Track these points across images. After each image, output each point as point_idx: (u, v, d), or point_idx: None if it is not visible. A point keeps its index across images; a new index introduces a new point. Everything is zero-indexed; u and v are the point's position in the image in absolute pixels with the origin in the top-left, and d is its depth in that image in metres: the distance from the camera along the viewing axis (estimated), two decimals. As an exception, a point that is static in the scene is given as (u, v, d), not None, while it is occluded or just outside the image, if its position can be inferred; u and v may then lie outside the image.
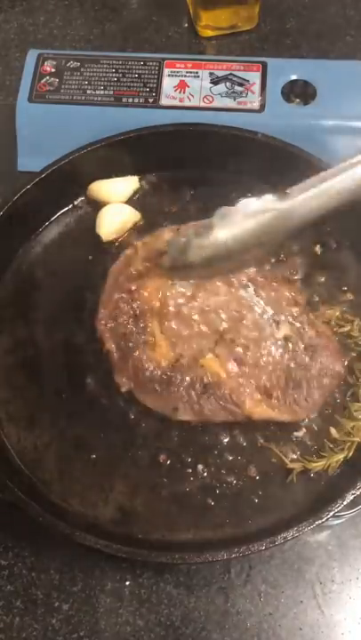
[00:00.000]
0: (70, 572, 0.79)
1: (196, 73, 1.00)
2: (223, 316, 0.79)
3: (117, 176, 0.93)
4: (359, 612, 0.77)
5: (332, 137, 0.95)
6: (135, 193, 0.94)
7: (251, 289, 0.81)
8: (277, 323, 0.79)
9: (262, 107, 0.97)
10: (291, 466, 0.76)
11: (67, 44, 1.15)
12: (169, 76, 1.00)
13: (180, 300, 0.80)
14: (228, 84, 0.99)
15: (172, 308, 0.79)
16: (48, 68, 1.01)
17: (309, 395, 0.77)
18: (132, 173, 0.94)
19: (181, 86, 0.99)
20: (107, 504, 0.76)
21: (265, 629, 0.76)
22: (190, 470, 0.77)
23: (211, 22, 1.12)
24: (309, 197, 0.70)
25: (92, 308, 0.84)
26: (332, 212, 0.71)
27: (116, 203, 0.92)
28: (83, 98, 0.99)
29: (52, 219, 0.93)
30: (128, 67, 1.01)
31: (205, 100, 0.98)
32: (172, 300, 0.80)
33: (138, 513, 0.76)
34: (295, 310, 0.80)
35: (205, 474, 0.77)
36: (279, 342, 0.78)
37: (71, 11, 1.19)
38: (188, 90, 0.99)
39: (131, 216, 0.91)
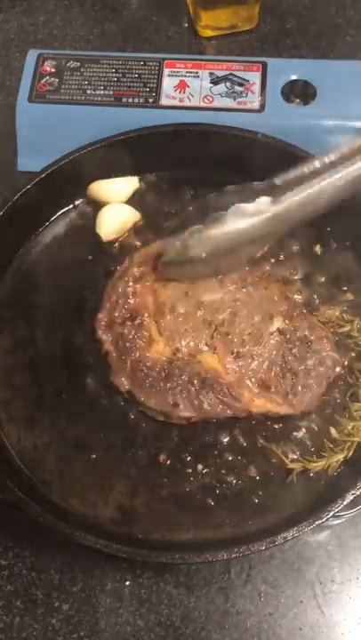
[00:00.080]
0: (70, 572, 0.79)
1: (196, 73, 1.00)
2: (218, 310, 0.80)
3: (117, 176, 0.93)
4: (359, 612, 0.77)
5: (332, 137, 0.95)
6: (135, 193, 0.94)
7: (243, 286, 0.82)
8: (271, 316, 0.80)
9: (262, 107, 0.97)
10: (291, 466, 0.76)
11: (67, 44, 1.15)
12: (169, 75, 1.00)
13: (175, 297, 0.81)
14: (228, 83, 0.99)
15: (167, 305, 0.81)
16: (48, 68, 1.01)
17: (307, 385, 0.78)
18: (132, 173, 0.94)
19: (181, 86, 0.99)
20: (107, 504, 0.76)
21: (265, 629, 0.76)
22: (190, 470, 0.77)
23: (211, 22, 1.12)
24: (301, 200, 0.71)
25: (92, 307, 0.84)
26: (323, 212, 0.73)
27: (116, 203, 0.92)
28: (83, 98, 0.99)
29: (52, 219, 0.93)
30: (128, 67, 1.01)
31: (205, 100, 0.98)
32: (167, 297, 0.81)
33: (138, 513, 0.76)
34: (288, 304, 0.81)
35: (205, 474, 0.77)
36: (274, 335, 0.79)
37: (71, 11, 1.19)
38: (188, 90, 0.99)
39: (131, 216, 0.91)
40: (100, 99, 0.99)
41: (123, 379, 0.79)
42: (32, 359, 0.84)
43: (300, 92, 0.99)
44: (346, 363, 0.81)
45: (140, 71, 1.01)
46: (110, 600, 0.78)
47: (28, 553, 0.80)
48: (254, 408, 0.77)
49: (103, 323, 0.81)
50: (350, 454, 0.76)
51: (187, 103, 0.98)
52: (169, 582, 0.79)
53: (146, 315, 0.81)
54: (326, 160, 0.71)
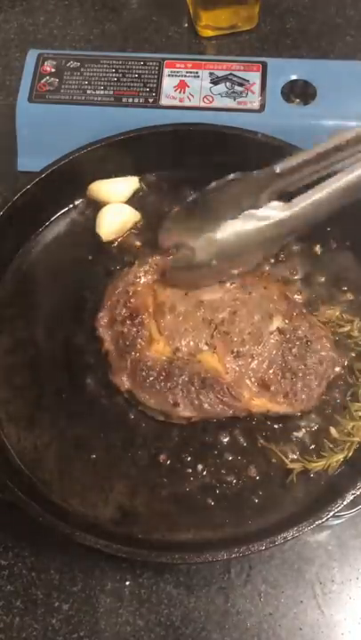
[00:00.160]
0: (70, 572, 0.79)
1: (196, 73, 1.00)
2: (217, 309, 0.80)
3: (117, 176, 0.93)
4: (359, 612, 0.77)
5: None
6: (135, 193, 0.94)
7: (242, 286, 0.82)
8: (270, 316, 0.80)
9: (262, 107, 0.97)
10: (291, 466, 0.76)
11: (67, 44, 1.15)
12: (169, 75, 1.00)
13: (175, 296, 0.81)
14: (228, 83, 0.99)
15: (167, 304, 0.81)
16: (48, 68, 1.01)
17: (307, 384, 0.78)
18: (132, 173, 0.94)
19: (181, 86, 0.99)
20: (107, 504, 0.76)
21: (265, 629, 0.76)
22: (190, 470, 0.77)
23: (211, 22, 1.12)
24: (309, 205, 0.72)
25: (92, 307, 0.84)
26: (335, 213, 0.73)
27: (116, 203, 0.92)
28: (83, 98, 0.99)
29: (52, 219, 0.93)
30: (128, 67, 1.01)
31: (205, 100, 0.98)
32: (166, 297, 0.81)
33: (138, 513, 0.76)
34: (287, 303, 0.81)
35: (205, 474, 0.77)
36: (274, 335, 0.79)
37: (71, 11, 1.19)
38: (188, 90, 0.99)
39: (131, 216, 0.91)
40: (100, 99, 0.99)
41: (123, 378, 0.79)
42: (32, 359, 0.84)
43: (300, 91, 0.99)
44: (346, 363, 0.81)
45: (140, 71, 1.01)
46: (110, 600, 0.78)
47: (28, 553, 0.80)
48: (254, 407, 0.77)
49: (103, 322, 0.82)
50: (350, 454, 0.76)
51: (187, 103, 0.98)
52: (169, 582, 0.79)
53: (146, 314, 0.81)
54: (324, 148, 0.72)
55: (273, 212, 0.74)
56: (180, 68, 1.01)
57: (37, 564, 0.80)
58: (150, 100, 0.98)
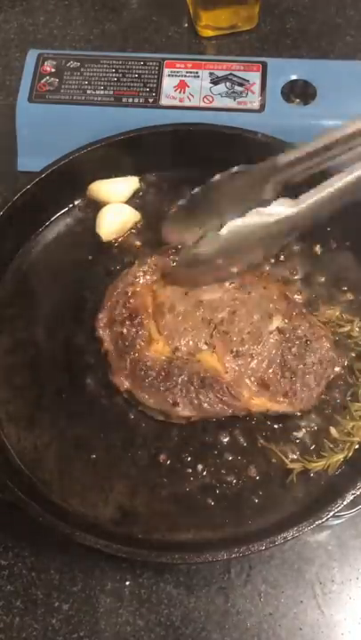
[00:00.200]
0: (70, 572, 0.79)
1: (196, 73, 1.00)
2: (217, 309, 0.80)
3: (117, 176, 0.93)
4: (359, 612, 0.77)
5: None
6: (135, 193, 0.94)
7: (242, 285, 0.82)
8: (270, 315, 0.80)
9: (262, 107, 0.97)
10: (291, 466, 0.76)
11: (67, 44, 1.15)
12: (169, 75, 1.00)
13: (175, 296, 0.81)
14: (228, 83, 0.99)
15: (166, 304, 0.81)
16: (48, 68, 1.01)
17: (306, 384, 0.78)
18: (132, 173, 0.94)
19: (181, 86, 0.99)
20: (107, 504, 0.76)
21: (265, 629, 0.76)
22: (190, 470, 0.77)
23: (211, 22, 1.12)
24: (317, 202, 0.72)
25: (92, 307, 0.84)
26: (340, 209, 0.73)
27: (116, 203, 0.92)
28: (83, 98, 0.99)
29: (52, 219, 0.93)
30: (128, 67, 1.01)
31: (205, 100, 0.98)
32: (166, 297, 0.81)
33: (138, 513, 0.76)
34: (287, 303, 0.81)
35: (205, 474, 0.77)
36: (273, 334, 0.79)
37: (71, 11, 1.19)
38: (188, 90, 0.99)
39: (131, 216, 0.91)
40: (100, 99, 0.99)
41: (122, 378, 0.79)
42: (32, 359, 0.84)
43: (300, 91, 0.99)
44: (346, 363, 0.81)
45: (140, 71, 1.01)
46: (110, 600, 0.78)
47: (28, 553, 0.80)
48: (254, 407, 0.77)
49: (103, 322, 0.82)
50: (350, 454, 0.76)
51: (187, 103, 0.98)
52: (169, 582, 0.79)
53: (145, 314, 0.81)
54: (328, 140, 0.73)
55: (280, 208, 0.73)
56: (180, 68, 1.01)
57: (37, 564, 0.80)
58: (150, 100, 0.98)
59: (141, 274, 0.83)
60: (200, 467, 0.77)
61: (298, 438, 0.79)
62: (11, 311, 0.87)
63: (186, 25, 1.16)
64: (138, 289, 0.83)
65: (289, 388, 0.77)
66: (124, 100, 0.99)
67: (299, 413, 0.79)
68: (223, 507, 0.76)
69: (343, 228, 0.87)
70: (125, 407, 0.80)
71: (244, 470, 0.77)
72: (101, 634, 0.76)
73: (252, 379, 0.78)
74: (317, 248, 0.88)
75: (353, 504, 0.73)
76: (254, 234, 0.74)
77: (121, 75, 1.00)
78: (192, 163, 0.92)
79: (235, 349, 0.78)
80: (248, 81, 0.99)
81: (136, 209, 0.92)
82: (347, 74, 0.99)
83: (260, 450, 0.78)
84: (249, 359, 0.78)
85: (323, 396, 0.79)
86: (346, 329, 0.83)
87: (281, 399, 0.77)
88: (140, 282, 0.83)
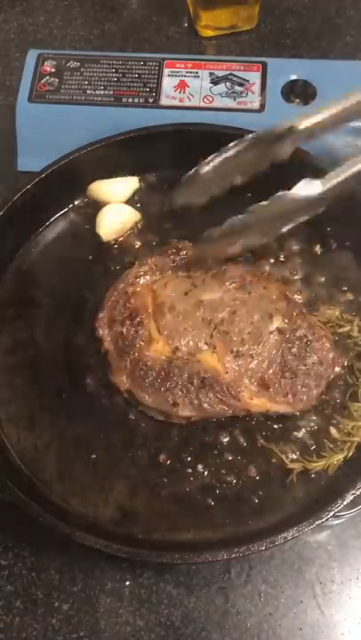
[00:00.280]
0: (70, 572, 0.79)
1: (196, 73, 1.00)
2: (217, 309, 0.80)
3: (117, 176, 0.93)
4: (359, 612, 0.77)
5: (333, 137, 0.94)
6: (135, 193, 0.94)
7: (242, 285, 0.82)
8: (270, 315, 0.80)
9: (262, 107, 0.97)
10: (291, 466, 0.76)
11: (67, 44, 1.15)
12: (169, 76, 1.00)
13: (175, 296, 0.81)
14: (228, 83, 0.99)
15: (166, 304, 0.81)
16: (48, 68, 1.01)
17: (306, 384, 0.78)
18: (132, 173, 0.94)
19: (181, 86, 0.99)
20: (107, 504, 0.76)
21: (265, 629, 0.76)
22: (190, 470, 0.77)
23: (211, 22, 1.12)
24: (343, 182, 0.74)
25: (92, 307, 0.84)
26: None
27: (116, 203, 0.92)
28: (83, 98, 0.99)
29: (52, 219, 0.93)
30: (128, 67, 1.01)
31: (205, 100, 0.98)
32: (166, 297, 0.81)
33: (138, 513, 0.76)
34: (287, 303, 0.81)
35: (205, 474, 0.77)
36: (273, 334, 0.79)
37: (71, 11, 1.19)
38: (188, 90, 0.99)
39: (131, 216, 0.91)
40: (100, 99, 0.99)
41: (122, 378, 0.79)
42: (32, 359, 0.84)
43: (300, 91, 0.99)
44: (346, 363, 0.81)
45: (140, 71, 1.01)
46: (110, 600, 0.78)
47: (28, 553, 0.80)
48: (254, 407, 0.77)
49: (103, 322, 0.82)
50: (350, 454, 0.76)
51: (187, 103, 0.98)
52: (169, 582, 0.79)
53: (145, 314, 0.81)
54: (343, 105, 0.75)
55: (307, 190, 0.74)
56: (180, 68, 1.01)
57: (37, 564, 0.80)
58: (150, 100, 0.98)
59: (141, 274, 0.84)
60: (200, 467, 0.77)
61: (298, 438, 0.79)
62: (11, 311, 0.87)
63: (186, 25, 1.16)
64: (138, 289, 0.83)
65: (289, 389, 0.77)
66: (124, 99, 0.99)
67: (298, 413, 0.79)
68: (223, 507, 0.76)
69: (343, 228, 0.87)
70: (125, 407, 0.80)
71: (244, 470, 0.77)
72: (101, 634, 0.76)
73: (253, 379, 0.78)
74: (317, 248, 0.88)
75: (353, 504, 0.73)
76: (281, 209, 0.76)
77: (121, 75, 1.00)
78: (192, 163, 0.92)
79: (235, 349, 0.78)
80: (248, 81, 0.99)
81: (136, 209, 0.92)
82: (347, 74, 0.99)
83: (260, 450, 0.78)
84: (249, 359, 0.78)
85: (323, 396, 0.80)
86: (346, 329, 0.83)
87: (281, 399, 0.77)
88: (140, 282, 0.83)
